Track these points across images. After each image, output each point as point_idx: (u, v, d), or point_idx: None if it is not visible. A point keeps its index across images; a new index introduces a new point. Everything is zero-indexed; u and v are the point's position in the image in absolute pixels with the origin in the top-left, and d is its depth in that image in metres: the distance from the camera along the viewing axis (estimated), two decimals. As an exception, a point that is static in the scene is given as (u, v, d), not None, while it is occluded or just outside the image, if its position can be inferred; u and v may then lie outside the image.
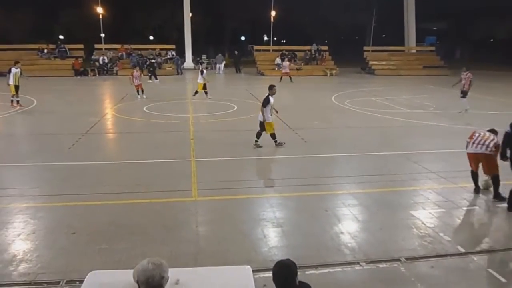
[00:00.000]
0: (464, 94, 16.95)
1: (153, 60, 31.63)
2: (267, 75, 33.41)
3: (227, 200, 7.58)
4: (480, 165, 7.59)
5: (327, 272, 5.25)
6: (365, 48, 41.05)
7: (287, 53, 36.71)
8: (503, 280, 5.05)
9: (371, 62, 37.41)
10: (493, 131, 7.70)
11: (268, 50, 39.43)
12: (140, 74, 20.61)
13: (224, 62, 36.23)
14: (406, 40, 41.01)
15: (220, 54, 37.43)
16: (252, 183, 8.38)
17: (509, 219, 6.85)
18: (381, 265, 5.41)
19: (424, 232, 6.30)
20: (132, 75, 20.30)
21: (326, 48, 38.26)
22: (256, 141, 11.04)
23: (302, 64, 35.69)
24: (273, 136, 11.06)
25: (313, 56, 36.59)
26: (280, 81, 27.39)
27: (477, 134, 7.60)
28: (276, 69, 34.38)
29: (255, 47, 42.05)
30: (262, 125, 10.93)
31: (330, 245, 5.92)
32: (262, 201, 7.54)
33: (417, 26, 41.22)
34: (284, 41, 55.36)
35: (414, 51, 40.96)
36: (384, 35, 59.98)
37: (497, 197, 7.42)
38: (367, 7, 46.84)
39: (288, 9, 47.83)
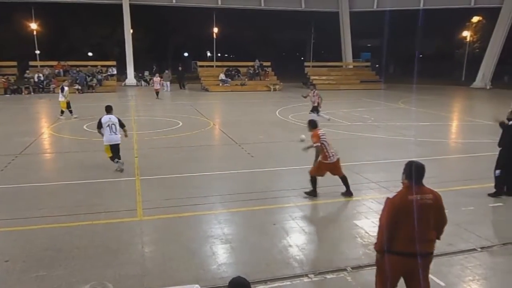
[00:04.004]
0: (316, 110, 17.46)
1: None
2: (212, 90, 33.49)
3: (174, 218, 7.41)
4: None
5: (276, 287, 5.26)
6: (306, 63, 42.39)
7: (231, 69, 37.03)
8: (442, 284, 5.31)
9: (312, 77, 38.59)
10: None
11: (212, 66, 39.59)
12: None
13: (170, 79, 35.13)
14: (343, 56, 42.86)
15: (167, 71, 35.99)
16: (199, 200, 8.26)
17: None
18: (328, 276, 5.51)
19: (368, 241, 6.50)
20: None
21: (268, 63, 39.01)
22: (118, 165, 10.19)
23: (246, 79, 36.12)
24: (113, 158, 10.22)
25: (256, 71, 37.16)
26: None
27: (327, 144, 8.34)
28: (221, 84, 34.52)
29: (199, 63, 42.11)
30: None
31: (279, 259, 5.95)
32: (210, 217, 7.46)
33: (353, 42, 43.24)
34: (229, 55, 55.65)
35: (351, 66, 42.84)
36: (322, 51, 62.32)
37: (349, 193, 8.46)
38: (305, 25, 48.47)
39: (230, 26, 48.42)
